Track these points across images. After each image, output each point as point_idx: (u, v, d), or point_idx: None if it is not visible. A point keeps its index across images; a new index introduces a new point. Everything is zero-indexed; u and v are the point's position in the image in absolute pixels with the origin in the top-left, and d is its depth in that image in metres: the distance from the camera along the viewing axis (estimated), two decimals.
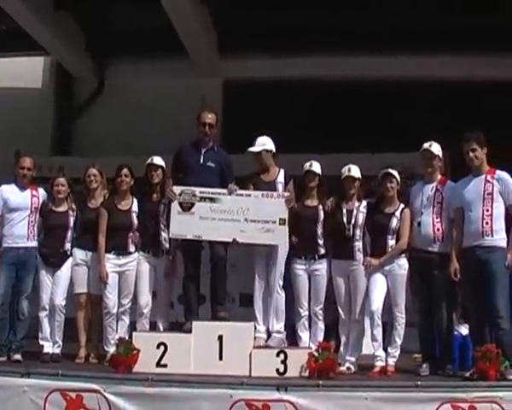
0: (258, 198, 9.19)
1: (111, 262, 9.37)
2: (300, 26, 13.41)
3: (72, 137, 15.17)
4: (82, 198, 9.97)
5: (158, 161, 9.64)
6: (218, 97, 14.66)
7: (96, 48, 14.89)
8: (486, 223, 8.22)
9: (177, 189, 9.19)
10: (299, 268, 9.14)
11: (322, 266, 9.10)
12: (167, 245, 9.49)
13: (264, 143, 9.46)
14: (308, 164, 9.38)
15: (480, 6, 12.80)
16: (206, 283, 9.40)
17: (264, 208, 9.12)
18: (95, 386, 7.83)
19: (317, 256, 9.10)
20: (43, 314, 9.45)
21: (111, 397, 7.78)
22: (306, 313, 9.12)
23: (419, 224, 8.78)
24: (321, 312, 9.11)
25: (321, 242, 9.14)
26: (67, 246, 9.60)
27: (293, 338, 9.23)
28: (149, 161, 9.63)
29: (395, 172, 9.10)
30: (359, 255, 9.00)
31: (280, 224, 9.07)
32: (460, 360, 9.04)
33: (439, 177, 8.93)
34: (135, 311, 9.47)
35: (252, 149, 9.37)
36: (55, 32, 13.49)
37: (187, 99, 14.20)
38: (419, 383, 7.76)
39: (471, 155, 8.44)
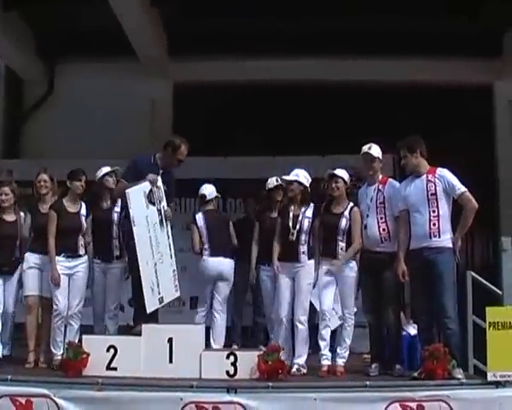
0: None
1: (61, 265, 9.26)
2: (251, 30, 13.42)
3: (21, 140, 15.01)
4: (32, 202, 9.89)
5: (106, 169, 9.83)
6: (168, 100, 14.67)
7: (45, 49, 14.72)
8: (434, 224, 8.31)
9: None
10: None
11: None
12: (118, 252, 9.72)
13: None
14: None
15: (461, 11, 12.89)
16: None
17: None
18: (44, 391, 7.76)
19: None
20: None
21: (61, 402, 7.70)
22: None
23: (365, 226, 8.87)
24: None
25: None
26: (17, 253, 9.60)
27: None
28: (100, 174, 9.84)
29: (341, 172, 9.13)
30: (304, 258, 9.06)
31: None
32: (408, 360, 9.15)
33: (380, 177, 9.03)
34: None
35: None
36: (5, 33, 13.32)
37: (137, 101, 14.24)
38: (368, 383, 7.86)
39: (402, 162, 8.67)
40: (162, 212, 9.32)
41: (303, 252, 9.07)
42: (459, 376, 7.98)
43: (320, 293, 9.01)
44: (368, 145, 9.00)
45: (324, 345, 8.91)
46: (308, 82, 13.85)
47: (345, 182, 9.13)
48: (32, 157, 14.11)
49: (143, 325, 8.68)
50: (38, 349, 9.44)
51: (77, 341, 8.88)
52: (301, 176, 9.25)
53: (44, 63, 14.94)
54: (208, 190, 10.38)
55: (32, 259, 9.53)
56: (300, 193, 9.22)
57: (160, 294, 9.11)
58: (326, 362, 8.87)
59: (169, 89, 14.72)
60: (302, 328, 9.02)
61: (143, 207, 9.13)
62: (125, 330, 9.67)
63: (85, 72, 14.42)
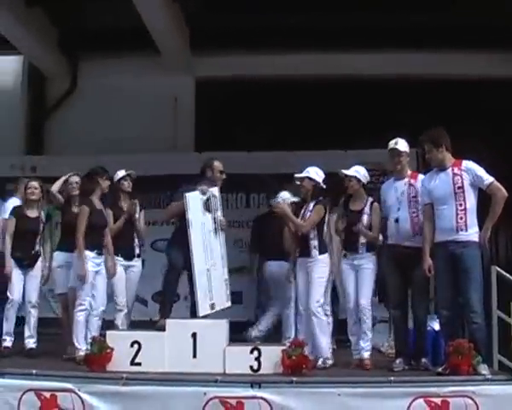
0: None
1: (92, 261, 9.28)
2: (273, 24, 13.41)
3: (44, 137, 15.06)
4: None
5: (122, 173, 10.09)
6: (191, 95, 14.66)
7: (68, 46, 14.76)
8: (461, 218, 8.22)
9: None
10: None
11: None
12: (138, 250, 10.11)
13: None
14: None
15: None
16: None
17: None
18: (69, 385, 7.81)
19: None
20: (13, 311, 9.73)
21: (85, 396, 7.76)
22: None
23: (396, 220, 8.81)
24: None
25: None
26: (37, 248, 9.95)
27: None
28: (116, 178, 10.07)
29: (352, 172, 9.22)
30: (315, 252, 9.15)
31: None
32: (432, 355, 9.11)
33: (410, 172, 8.99)
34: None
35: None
36: (28, 29, 13.36)
37: (159, 97, 14.23)
38: (392, 378, 7.84)
39: (427, 157, 8.59)
40: (217, 221, 9.51)
41: (314, 247, 9.16)
42: (484, 372, 7.92)
43: (346, 290, 9.20)
44: (394, 140, 8.95)
45: (355, 340, 9.10)
46: (330, 76, 13.81)
47: (358, 180, 9.20)
48: (55, 154, 14.22)
49: (167, 320, 8.71)
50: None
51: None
52: (312, 172, 9.34)
53: (67, 59, 14.97)
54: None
55: (61, 257, 9.89)
56: (312, 189, 9.31)
57: (211, 300, 9.25)
58: (358, 357, 9.04)
59: (191, 84, 14.69)
60: (319, 319, 9.08)
61: (200, 213, 9.30)
62: (148, 326, 9.70)
63: (108, 68, 14.43)
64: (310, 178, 9.31)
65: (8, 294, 9.77)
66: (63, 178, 10.20)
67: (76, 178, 10.12)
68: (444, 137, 8.50)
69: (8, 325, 9.76)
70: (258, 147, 13.13)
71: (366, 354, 8.98)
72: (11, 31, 13.24)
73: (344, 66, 13.74)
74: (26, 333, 9.80)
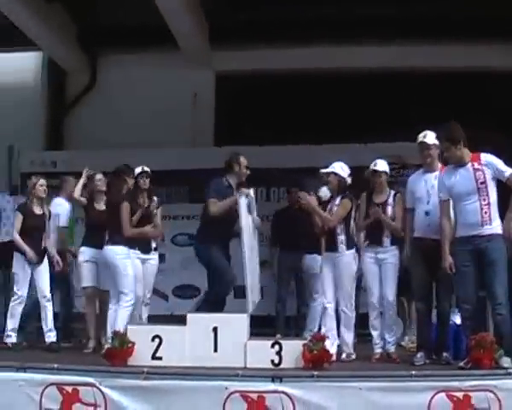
0: None
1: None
2: (292, 18, 13.40)
3: (64, 132, 15.13)
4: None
5: (138, 170, 10.10)
6: (210, 89, 14.67)
7: (87, 40, 14.83)
8: (485, 212, 8.12)
9: None
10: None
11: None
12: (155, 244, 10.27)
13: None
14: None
15: None
16: None
17: None
18: (90, 380, 7.82)
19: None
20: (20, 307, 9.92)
21: (106, 390, 7.76)
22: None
23: (427, 213, 8.77)
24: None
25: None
26: (43, 244, 10.08)
27: None
28: (140, 169, 10.07)
29: (382, 167, 9.27)
30: (342, 247, 9.22)
31: None
32: (454, 349, 9.07)
33: (440, 165, 8.92)
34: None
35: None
36: (48, 24, 13.43)
37: (179, 91, 14.24)
38: (413, 372, 7.77)
39: (445, 155, 8.51)
40: (255, 221, 9.68)
41: (341, 241, 9.23)
42: (506, 365, 7.86)
43: (369, 286, 9.24)
44: (423, 133, 8.88)
45: (377, 334, 9.17)
46: (349, 70, 13.79)
47: (386, 173, 9.30)
48: (75, 148, 14.26)
49: (188, 315, 8.70)
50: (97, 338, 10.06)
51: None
52: (337, 167, 9.37)
53: (87, 54, 15.04)
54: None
55: (88, 252, 10.14)
56: (338, 183, 9.36)
57: (255, 296, 9.41)
58: (379, 350, 9.13)
59: (211, 79, 14.72)
60: (347, 315, 9.21)
61: (247, 215, 9.40)
62: (168, 320, 9.75)
63: (127, 62, 14.50)
64: (335, 174, 9.33)
65: (16, 290, 9.88)
66: (82, 181, 10.36)
67: (100, 176, 10.34)
68: (460, 133, 8.38)
69: (14, 321, 9.87)
70: (278, 141, 13.12)
71: (392, 348, 9.12)
72: (31, 27, 13.33)
73: (363, 59, 13.70)
74: (45, 328, 9.91)
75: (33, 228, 9.98)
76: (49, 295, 9.94)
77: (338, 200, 9.33)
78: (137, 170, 10.09)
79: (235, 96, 14.39)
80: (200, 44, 13.99)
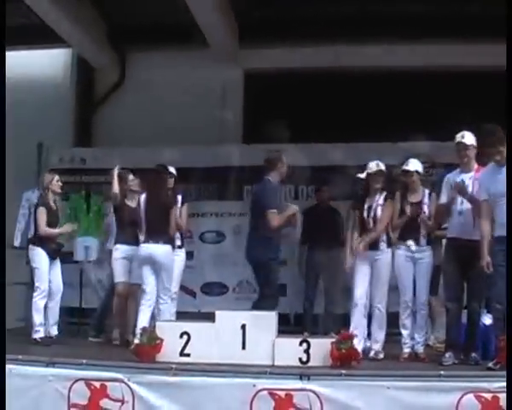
0: None
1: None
2: (321, 15, 13.35)
3: (93, 129, 15.18)
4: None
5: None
6: (239, 87, 14.66)
7: (117, 38, 14.84)
8: None
9: None
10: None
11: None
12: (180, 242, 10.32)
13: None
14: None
15: None
16: None
17: None
18: (119, 375, 7.88)
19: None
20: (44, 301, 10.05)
21: (135, 386, 7.82)
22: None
23: (460, 213, 8.73)
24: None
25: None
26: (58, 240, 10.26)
27: None
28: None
29: (413, 166, 9.29)
30: (383, 245, 9.26)
31: None
32: (482, 350, 9.02)
33: (476, 166, 8.86)
34: None
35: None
36: (77, 22, 13.48)
37: (207, 89, 14.22)
38: (442, 372, 7.75)
39: (496, 158, 8.28)
40: None
41: (383, 240, 9.27)
42: None
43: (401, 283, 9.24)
44: (461, 134, 8.81)
45: (407, 334, 9.18)
46: (379, 69, 13.70)
47: (418, 173, 9.30)
48: (104, 145, 14.30)
49: (216, 312, 8.70)
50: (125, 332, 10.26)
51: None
52: (381, 165, 9.44)
53: (116, 51, 15.05)
54: None
55: (122, 249, 10.31)
56: (382, 182, 9.45)
57: None
58: (408, 350, 9.13)
59: (239, 76, 14.68)
60: (380, 314, 9.24)
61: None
62: (196, 317, 9.77)
63: (156, 60, 14.49)
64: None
65: (38, 285, 9.97)
66: (116, 177, 10.37)
67: (132, 176, 10.57)
68: (500, 138, 8.31)
69: (40, 316, 9.93)
70: (305, 139, 13.09)
71: (421, 348, 9.16)
72: (61, 24, 13.38)
73: (392, 57, 13.62)
74: (52, 321, 10.14)
75: (50, 224, 10.13)
76: (61, 288, 10.15)
77: (381, 199, 9.34)
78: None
79: (264, 93, 14.35)
80: (229, 42, 13.98)
